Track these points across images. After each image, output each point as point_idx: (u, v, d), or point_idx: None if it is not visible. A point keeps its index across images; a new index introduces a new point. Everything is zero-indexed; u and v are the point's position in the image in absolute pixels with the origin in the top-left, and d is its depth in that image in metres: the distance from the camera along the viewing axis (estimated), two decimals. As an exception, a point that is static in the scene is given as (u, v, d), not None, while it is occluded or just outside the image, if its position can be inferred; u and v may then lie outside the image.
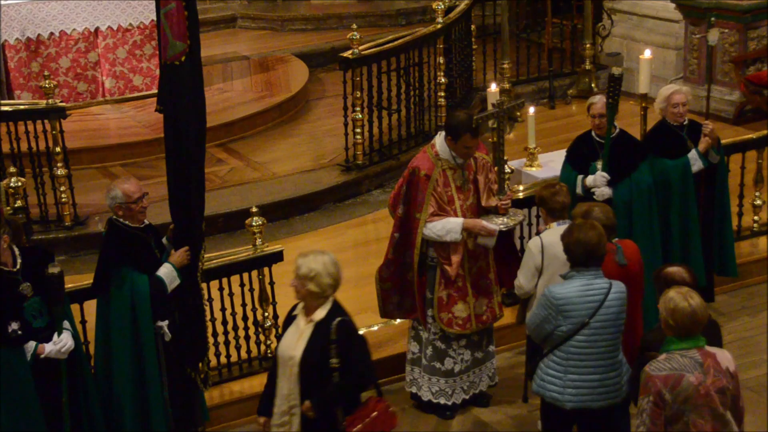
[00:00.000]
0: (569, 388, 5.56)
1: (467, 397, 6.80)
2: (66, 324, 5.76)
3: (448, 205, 6.47)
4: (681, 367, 4.72)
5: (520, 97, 11.57)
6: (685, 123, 7.41)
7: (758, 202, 8.52)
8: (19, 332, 5.56)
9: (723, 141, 7.71)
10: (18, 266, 5.65)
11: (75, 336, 5.88)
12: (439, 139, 6.53)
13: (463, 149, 6.43)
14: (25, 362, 5.59)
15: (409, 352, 6.87)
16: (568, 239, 5.52)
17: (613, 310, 5.49)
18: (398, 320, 7.03)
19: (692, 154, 7.31)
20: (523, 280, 6.27)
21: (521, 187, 7.62)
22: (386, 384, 7.18)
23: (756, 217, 8.57)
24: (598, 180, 7.06)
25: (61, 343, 5.66)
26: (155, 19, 5.96)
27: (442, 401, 6.75)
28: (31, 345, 5.62)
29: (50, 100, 8.68)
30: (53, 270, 5.56)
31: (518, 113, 11.24)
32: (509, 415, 6.69)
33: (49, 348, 5.63)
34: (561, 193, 6.33)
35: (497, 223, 6.49)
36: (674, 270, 5.32)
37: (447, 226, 6.41)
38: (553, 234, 6.03)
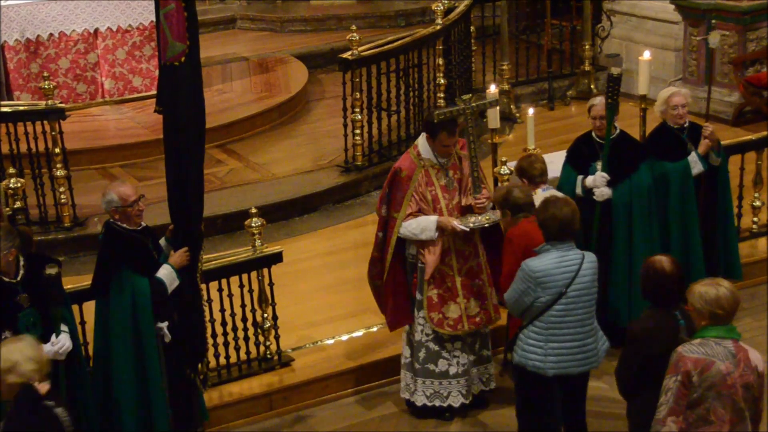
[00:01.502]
0: (551, 355, 5.77)
1: (467, 401, 6.77)
2: (63, 326, 5.75)
3: (433, 204, 6.49)
4: (714, 353, 4.79)
5: (519, 98, 11.62)
6: (685, 125, 7.41)
7: (757, 203, 8.52)
8: None
9: (722, 142, 7.71)
10: (19, 277, 5.66)
11: (74, 337, 5.88)
12: (422, 139, 6.57)
13: (441, 148, 6.47)
14: None
15: (402, 356, 6.86)
16: (544, 215, 5.73)
17: (587, 279, 5.74)
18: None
19: (692, 157, 7.30)
20: None
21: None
22: (384, 386, 7.20)
23: (755, 218, 8.57)
24: (598, 180, 7.07)
25: (59, 344, 5.66)
26: (155, 20, 5.96)
27: (437, 403, 6.73)
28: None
29: (50, 101, 8.67)
30: (50, 270, 5.56)
31: (518, 114, 11.27)
32: (510, 416, 6.68)
33: (47, 349, 5.62)
34: (538, 159, 6.82)
35: (469, 222, 6.47)
36: (656, 258, 5.37)
37: (422, 224, 6.43)
38: (541, 198, 6.24)
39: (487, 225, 6.55)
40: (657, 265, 5.27)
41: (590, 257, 5.81)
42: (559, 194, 6.67)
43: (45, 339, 5.64)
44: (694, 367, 4.77)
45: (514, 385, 6.19)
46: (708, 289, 4.83)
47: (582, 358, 5.82)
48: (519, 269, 5.79)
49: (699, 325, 4.91)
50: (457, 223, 6.42)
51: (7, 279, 5.62)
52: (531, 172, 6.80)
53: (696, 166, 7.31)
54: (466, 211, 6.57)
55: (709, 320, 4.85)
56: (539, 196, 6.45)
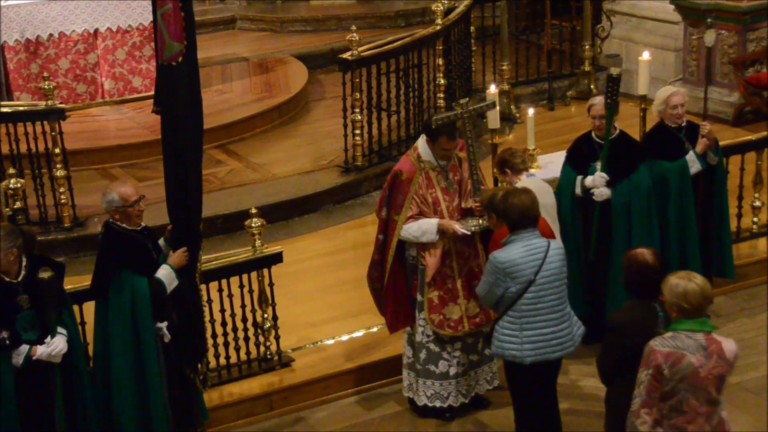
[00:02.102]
0: (526, 343, 5.85)
1: (466, 401, 6.78)
2: (61, 329, 5.75)
3: (434, 206, 6.49)
4: (684, 347, 4.88)
5: (519, 98, 11.62)
6: (683, 125, 7.41)
7: (757, 203, 8.52)
8: (7, 342, 5.56)
9: (722, 142, 7.71)
10: (20, 278, 5.66)
11: (75, 340, 5.88)
12: (422, 141, 6.57)
13: (441, 151, 6.48)
14: (9, 368, 5.59)
15: (404, 356, 6.87)
16: (504, 205, 5.90)
17: (555, 265, 5.85)
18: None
19: (690, 156, 7.31)
20: None
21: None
22: (384, 386, 7.20)
23: (755, 219, 8.56)
24: (597, 180, 7.07)
25: (53, 345, 5.65)
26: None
27: (438, 404, 6.73)
28: (24, 348, 5.62)
29: (49, 102, 8.68)
30: (43, 274, 5.54)
31: (518, 114, 11.27)
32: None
33: (41, 350, 5.63)
34: (517, 150, 7.08)
35: (470, 225, 6.48)
36: (638, 251, 5.47)
37: (423, 227, 6.43)
38: (526, 183, 6.61)
39: (486, 228, 6.55)
40: (639, 258, 5.37)
41: (556, 244, 5.94)
42: (544, 183, 6.96)
43: (41, 342, 5.65)
44: (664, 360, 4.87)
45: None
46: (679, 282, 4.94)
47: (557, 343, 5.91)
48: (487, 262, 5.91)
49: (672, 317, 5.01)
50: (458, 227, 6.43)
51: (7, 279, 5.62)
52: (513, 161, 6.91)
53: (694, 165, 7.31)
54: (466, 213, 6.57)
55: (677, 313, 4.96)
56: (524, 182, 6.70)
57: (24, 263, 5.69)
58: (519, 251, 5.81)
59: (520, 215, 5.83)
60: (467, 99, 6.74)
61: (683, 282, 4.93)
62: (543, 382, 6.07)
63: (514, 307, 5.84)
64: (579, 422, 6.64)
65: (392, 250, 6.56)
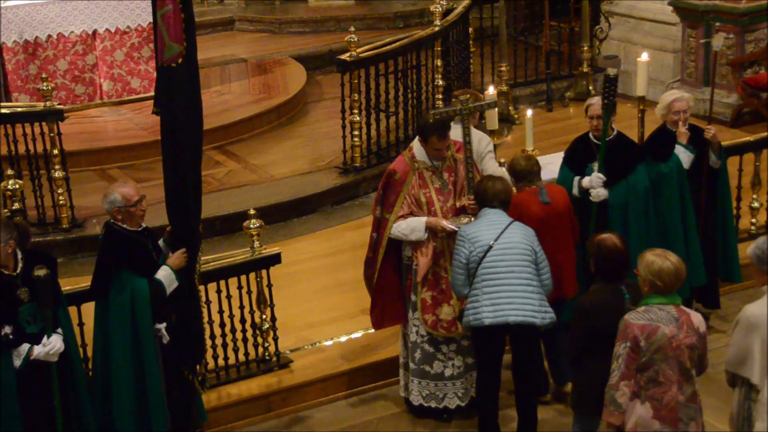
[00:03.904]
0: (485, 305, 6.07)
1: (463, 404, 6.76)
2: (57, 328, 5.75)
3: (427, 206, 6.51)
4: (658, 318, 5.19)
5: (518, 99, 11.63)
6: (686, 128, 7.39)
7: (756, 204, 8.52)
8: (11, 336, 5.56)
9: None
10: (18, 270, 5.65)
11: (70, 338, 5.87)
12: (416, 142, 6.62)
13: (433, 151, 6.51)
14: (11, 367, 5.59)
15: (400, 356, 6.88)
16: (478, 186, 6.36)
17: (515, 237, 6.16)
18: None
19: (677, 149, 7.23)
20: None
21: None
22: (381, 387, 7.20)
23: (753, 220, 8.57)
24: (594, 181, 7.06)
25: (50, 345, 5.65)
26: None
27: (433, 405, 6.73)
28: (25, 347, 5.62)
29: (48, 103, 8.67)
30: (39, 272, 5.54)
31: (516, 115, 11.27)
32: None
33: (38, 350, 5.63)
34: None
35: (461, 222, 6.48)
36: (605, 236, 5.72)
37: (411, 225, 6.46)
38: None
39: None
40: (608, 242, 5.63)
41: (520, 225, 6.24)
42: (481, 133, 7.21)
43: (44, 334, 5.64)
44: (641, 332, 5.16)
45: None
46: (655, 260, 5.22)
47: (516, 307, 6.05)
48: (458, 236, 6.22)
49: (644, 291, 5.29)
50: (446, 223, 6.44)
51: (6, 272, 5.62)
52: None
53: (683, 155, 7.23)
54: (460, 213, 6.58)
55: (649, 288, 5.24)
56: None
57: (20, 256, 5.69)
58: (484, 222, 6.20)
59: (491, 196, 6.23)
60: (467, 95, 6.73)
61: (659, 260, 5.21)
62: (501, 346, 6.27)
63: (476, 276, 6.09)
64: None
65: (382, 248, 6.59)
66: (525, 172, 6.71)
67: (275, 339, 7.23)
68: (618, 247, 5.60)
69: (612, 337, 5.29)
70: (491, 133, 7.73)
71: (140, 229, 6.07)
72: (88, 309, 6.28)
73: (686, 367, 5.22)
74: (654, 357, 5.17)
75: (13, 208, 7.95)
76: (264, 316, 7.15)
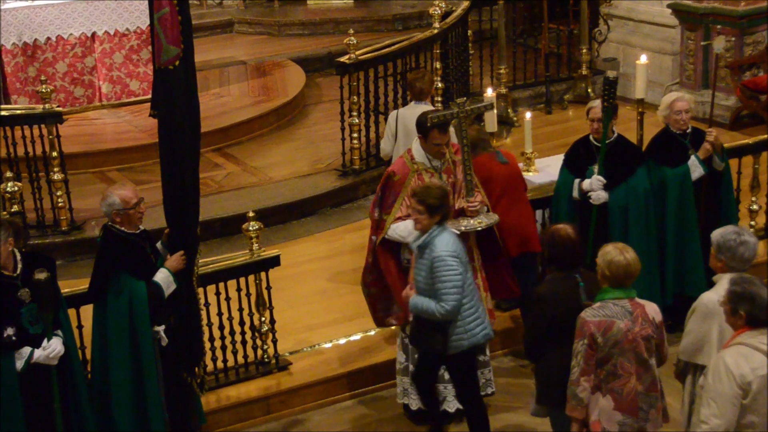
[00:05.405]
0: (477, 323, 6.11)
1: (462, 407, 6.75)
2: (58, 331, 5.74)
3: None
4: (613, 314, 5.30)
5: (517, 102, 11.63)
6: (687, 131, 7.40)
7: (755, 207, 8.53)
8: (14, 338, 5.56)
9: (720, 146, 7.71)
10: (18, 271, 5.65)
11: (69, 341, 5.87)
12: (415, 143, 6.61)
13: (433, 147, 6.50)
14: (14, 368, 5.59)
15: (397, 361, 6.84)
16: (420, 197, 6.05)
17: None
18: (394, 326, 7.04)
19: (692, 161, 7.29)
20: (383, 144, 8.23)
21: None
22: (379, 390, 7.20)
23: (752, 222, 8.57)
24: (594, 184, 7.07)
25: (50, 348, 5.65)
26: (150, 23, 5.97)
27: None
28: (26, 350, 5.62)
29: (47, 105, 8.67)
30: (39, 276, 5.54)
31: (515, 118, 11.28)
32: (509, 421, 6.69)
33: (38, 354, 5.62)
34: (422, 79, 7.86)
35: (460, 225, 6.47)
36: (560, 226, 5.83)
37: (409, 227, 6.39)
38: (410, 110, 7.70)
39: (479, 228, 6.55)
40: (563, 232, 5.72)
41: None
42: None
43: (46, 335, 5.64)
44: (597, 329, 5.28)
45: None
46: (611, 251, 5.35)
47: (487, 321, 6.23)
48: (436, 269, 5.91)
49: (601, 285, 5.40)
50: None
51: (7, 273, 5.61)
52: (414, 87, 7.87)
53: (696, 170, 7.30)
54: (459, 215, 6.57)
55: (600, 278, 5.38)
56: (412, 107, 7.80)
57: (18, 257, 5.69)
58: (452, 237, 6.03)
59: (437, 203, 5.96)
60: (465, 98, 6.74)
61: (614, 252, 5.33)
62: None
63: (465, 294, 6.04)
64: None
65: (377, 245, 6.57)
66: (476, 140, 6.91)
67: (274, 341, 7.22)
68: (571, 237, 5.69)
69: (569, 324, 5.41)
70: (490, 135, 7.73)
71: (138, 231, 6.07)
72: (87, 311, 6.28)
73: (644, 357, 5.34)
74: (612, 351, 5.29)
75: (12, 210, 7.94)
76: (263, 319, 7.15)
